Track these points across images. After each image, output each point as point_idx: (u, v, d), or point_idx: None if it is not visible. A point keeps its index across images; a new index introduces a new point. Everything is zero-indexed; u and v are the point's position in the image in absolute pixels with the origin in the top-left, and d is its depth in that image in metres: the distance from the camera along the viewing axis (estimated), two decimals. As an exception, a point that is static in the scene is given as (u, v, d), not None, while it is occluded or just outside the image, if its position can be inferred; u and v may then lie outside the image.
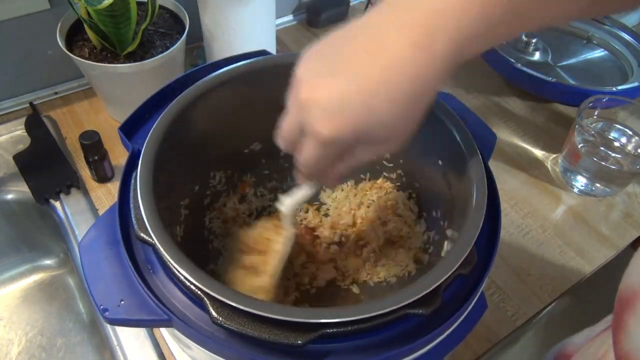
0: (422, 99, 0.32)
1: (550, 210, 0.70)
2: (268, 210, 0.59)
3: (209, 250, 0.54)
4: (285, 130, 0.36)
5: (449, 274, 0.35)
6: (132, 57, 0.68)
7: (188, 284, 0.36)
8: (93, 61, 0.66)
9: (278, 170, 0.60)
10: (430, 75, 0.31)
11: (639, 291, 0.29)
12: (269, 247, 0.47)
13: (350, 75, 0.31)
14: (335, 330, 0.34)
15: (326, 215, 0.59)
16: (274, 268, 0.45)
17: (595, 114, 0.74)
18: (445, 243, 0.47)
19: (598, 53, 0.89)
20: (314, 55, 0.34)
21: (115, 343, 0.55)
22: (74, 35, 0.70)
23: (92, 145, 0.64)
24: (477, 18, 0.30)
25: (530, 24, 0.33)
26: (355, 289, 0.53)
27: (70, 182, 0.67)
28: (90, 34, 0.67)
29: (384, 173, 0.58)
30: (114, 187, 0.69)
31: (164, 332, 0.55)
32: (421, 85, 0.31)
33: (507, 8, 0.30)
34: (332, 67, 0.32)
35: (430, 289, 0.34)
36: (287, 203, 0.44)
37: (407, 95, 0.31)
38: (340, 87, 0.31)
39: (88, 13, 0.64)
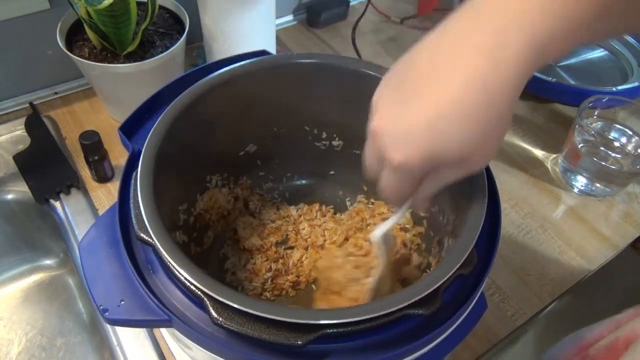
0: (496, 111, 0.29)
1: (550, 210, 0.70)
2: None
3: (209, 253, 0.54)
4: (366, 158, 0.36)
5: (449, 274, 0.35)
6: (132, 57, 0.68)
7: (188, 284, 0.36)
8: (93, 61, 0.66)
9: (272, 171, 0.60)
10: (502, 84, 0.28)
11: None
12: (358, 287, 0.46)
13: (414, 100, 0.30)
14: (335, 330, 0.34)
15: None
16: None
17: (595, 114, 0.74)
18: (446, 239, 0.47)
19: (598, 53, 0.89)
20: (387, 78, 0.33)
21: (115, 343, 0.55)
22: (74, 35, 0.70)
23: (92, 145, 0.64)
24: (558, 11, 0.27)
25: (617, 27, 0.30)
26: None
27: (70, 182, 0.67)
28: (90, 34, 0.67)
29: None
30: (114, 187, 0.68)
31: (164, 332, 0.55)
32: (492, 98, 0.28)
33: (593, 7, 0.27)
34: (399, 92, 0.31)
35: (431, 289, 0.34)
36: (377, 233, 0.44)
37: (476, 113, 0.28)
38: (405, 113, 0.30)
39: (88, 13, 0.64)
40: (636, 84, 0.77)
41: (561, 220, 0.69)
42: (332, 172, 0.61)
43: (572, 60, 0.87)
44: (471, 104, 0.28)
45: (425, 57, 0.30)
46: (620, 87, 0.77)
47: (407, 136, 0.30)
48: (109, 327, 0.56)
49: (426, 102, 0.29)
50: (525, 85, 0.29)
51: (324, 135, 0.57)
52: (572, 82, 0.82)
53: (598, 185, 0.70)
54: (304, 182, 0.62)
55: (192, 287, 0.36)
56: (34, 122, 0.74)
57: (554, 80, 0.78)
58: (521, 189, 0.72)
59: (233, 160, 0.56)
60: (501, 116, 0.30)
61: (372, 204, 0.60)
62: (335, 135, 0.57)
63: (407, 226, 0.55)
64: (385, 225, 0.44)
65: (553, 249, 0.66)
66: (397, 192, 0.35)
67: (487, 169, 0.44)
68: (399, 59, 0.33)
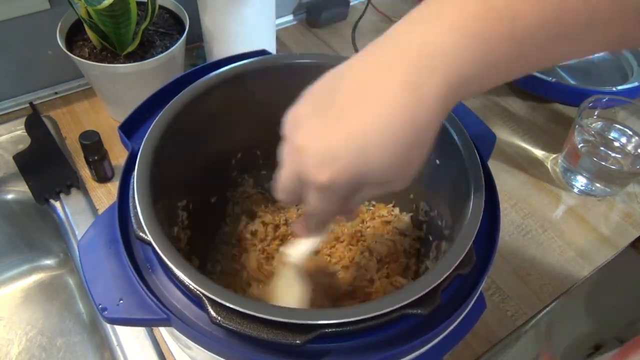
0: (418, 141, 0.31)
1: (550, 210, 0.70)
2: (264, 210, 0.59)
3: (209, 251, 0.54)
4: (283, 181, 0.36)
5: (447, 274, 0.35)
6: (132, 57, 0.68)
7: (187, 283, 0.36)
8: (93, 61, 0.66)
9: (271, 171, 0.60)
10: (424, 117, 0.30)
11: None
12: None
13: (342, 122, 0.30)
14: (333, 330, 0.34)
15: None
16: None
17: (595, 114, 0.74)
18: (443, 243, 0.47)
19: (598, 53, 0.89)
20: (309, 98, 0.33)
21: (115, 343, 0.55)
22: (74, 35, 0.70)
23: (92, 145, 0.64)
24: (474, 58, 0.29)
25: (538, 63, 0.31)
26: None
27: (70, 182, 0.67)
28: (90, 34, 0.67)
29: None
30: (114, 187, 0.69)
31: (164, 332, 0.55)
32: (415, 128, 0.30)
33: (511, 46, 0.29)
34: (325, 112, 0.31)
35: (429, 288, 0.34)
36: (295, 254, 0.43)
37: (400, 141, 0.30)
38: (332, 134, 0.31)
39: (88, 13, 0.64)
40: (636, 84, 0.77)
41: (561, 220, 0.69)
42: None
43: (572, 60, 0.87)
44: (393, 135, 0.30)
45: (354, 80, 0.31)
46: (620, 87, 0.77)
47: (333, 157, 0.31)
48: (109, 327, 0.56)
49: (354, 124, 0.30)
50: (448, 111, 0.31)
51: None
52: (572, 82, 0.82)
53: (598, 185, 0.70)
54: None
55: (190, 286, 0.36)
56: (34, 122, 0.74)
57: (554, 80, 0.78)
58: (521, 189, 0.72)
59: (234, 158, 0.56)
60: (422, 143, 0.31)
61: (373, 205, 0.59)
62: None
63: (406, 232, 0.55)
64: (305, 247, 0.42)
65: (553, 249, 0.66)
66: (324, 211, 0.35)
67: (487, 169, 0.44)
68: (323, 76, 0.33)
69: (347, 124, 0.30)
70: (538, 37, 0.29)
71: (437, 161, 0.48)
